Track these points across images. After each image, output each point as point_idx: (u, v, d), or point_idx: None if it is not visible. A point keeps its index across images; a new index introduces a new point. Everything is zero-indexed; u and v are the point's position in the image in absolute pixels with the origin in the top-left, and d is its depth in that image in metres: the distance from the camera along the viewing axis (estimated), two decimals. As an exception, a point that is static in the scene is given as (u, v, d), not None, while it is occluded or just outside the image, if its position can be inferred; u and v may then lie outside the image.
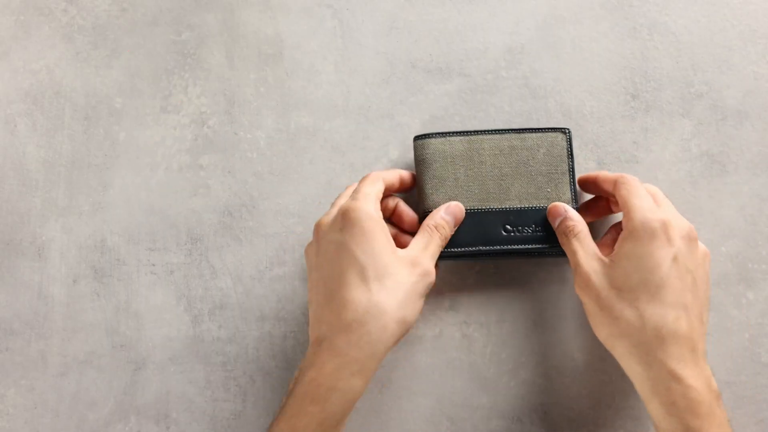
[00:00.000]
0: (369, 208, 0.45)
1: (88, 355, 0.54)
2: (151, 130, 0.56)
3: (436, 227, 0.48)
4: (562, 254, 0.49)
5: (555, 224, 0.49)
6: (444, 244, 0.48)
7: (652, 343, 0.43)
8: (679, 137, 0.55)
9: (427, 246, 0.47)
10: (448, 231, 0.48)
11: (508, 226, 0.50)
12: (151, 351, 0.53)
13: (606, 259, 0.45)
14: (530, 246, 0.49)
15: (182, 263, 0.55)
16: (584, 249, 0.46)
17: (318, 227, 0.47)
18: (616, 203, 0.50)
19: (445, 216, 0.49)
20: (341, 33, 0.57)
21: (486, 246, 0.49)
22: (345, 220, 0.44)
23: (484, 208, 0.50)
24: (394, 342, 0.44)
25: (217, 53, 0.57)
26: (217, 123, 0.56)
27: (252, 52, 0.57)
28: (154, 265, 0.55)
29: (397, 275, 0.44)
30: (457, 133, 0.51)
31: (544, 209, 0.50)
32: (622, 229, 0.46)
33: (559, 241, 0.49)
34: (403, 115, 0.56)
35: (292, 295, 0.54)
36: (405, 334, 0.44)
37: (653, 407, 0.43)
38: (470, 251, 0.49)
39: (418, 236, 0.48)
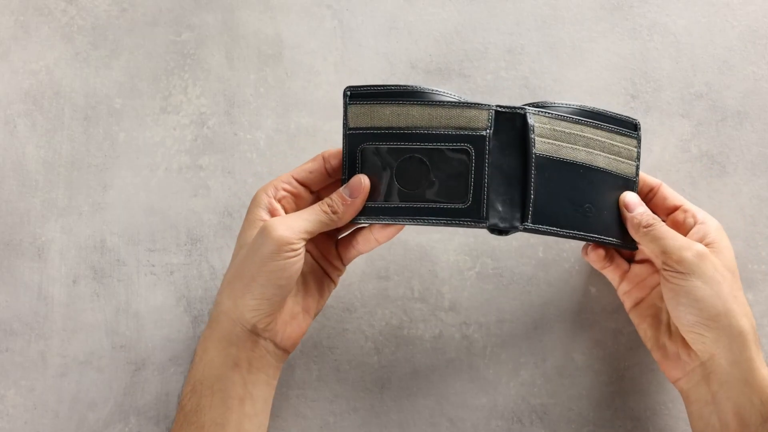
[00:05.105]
0: (260, 198, 0.46)
1: (88, 356, 0.53)
2: (151, 131, 0.56)
3: (320, 203, 0.45)
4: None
5: (631, 213, 0.47)
6: (330, 214, 0.45)
7: (754, 328, 0.45)
8: (679, 138, 0.55)
9: (299, 216, 0.45)
10: (338, 205, 0.45)
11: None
12: (151, 352, 0.53)
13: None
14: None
15: (182, 264, 0.55)
16: (675, 233, 0.45)
17: None
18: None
19: (342, 192, 0.46)
20: (341, 33, 0.57)
21: None
22: None
23: None
24: (250, 311, 0.44)
25: (217, 53, 0.57)
26: (216, 123, 0.56)
27: (252, 53, 0.57)
28: (153, 265, 0.55)
29: (250, 244, 0.44)
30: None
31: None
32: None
33: (638, 233, 0.46)
34: (403, 115, 0.56)
35: (292, 295, 0.54)
36: (266, 300, 0.44)
37: (743, 391, 0.43)
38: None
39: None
